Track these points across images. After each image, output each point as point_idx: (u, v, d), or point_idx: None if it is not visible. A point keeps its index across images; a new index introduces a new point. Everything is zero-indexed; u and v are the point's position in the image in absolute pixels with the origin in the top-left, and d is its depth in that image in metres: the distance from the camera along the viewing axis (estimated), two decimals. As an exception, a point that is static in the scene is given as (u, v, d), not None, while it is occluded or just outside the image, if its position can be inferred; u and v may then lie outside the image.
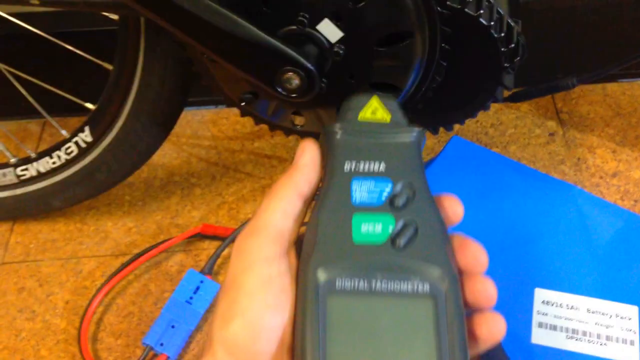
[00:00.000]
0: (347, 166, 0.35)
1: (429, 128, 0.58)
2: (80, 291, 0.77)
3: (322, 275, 0.31)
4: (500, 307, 0.61)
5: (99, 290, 0.74)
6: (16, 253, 0.81)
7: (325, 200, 0.34)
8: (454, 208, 0.35)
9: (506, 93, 0.58)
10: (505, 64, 0.50)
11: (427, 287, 0.31)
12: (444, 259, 0.32)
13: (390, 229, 0.33)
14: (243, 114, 0.58)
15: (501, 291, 0.62)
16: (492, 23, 0.48)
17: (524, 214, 0.69)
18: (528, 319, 0.61)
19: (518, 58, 0.51)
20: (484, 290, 0.32)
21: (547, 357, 0.59)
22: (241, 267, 0.32)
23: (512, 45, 0.50)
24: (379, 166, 0.35)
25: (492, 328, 0.32)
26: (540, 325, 0.60)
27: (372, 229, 0.33)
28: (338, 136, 0.36)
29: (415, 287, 0.31)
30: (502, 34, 0.49)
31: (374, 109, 0.38)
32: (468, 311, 0.32)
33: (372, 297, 0.31)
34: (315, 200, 0.35)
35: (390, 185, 0.34)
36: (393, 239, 0.32)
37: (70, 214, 0.84)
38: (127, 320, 0.74)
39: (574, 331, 0.60)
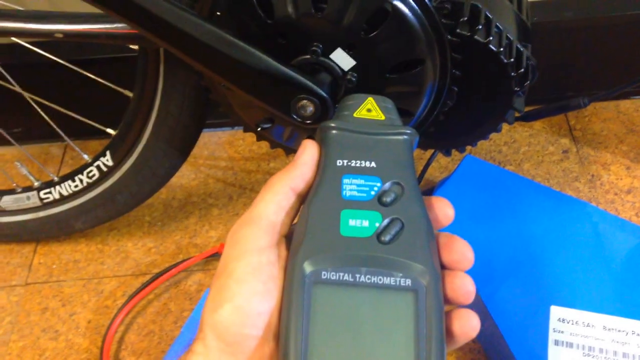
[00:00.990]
0: (340, 162, 0.36)
1: (441, 150, 0.59)
2: (101, 310, 0.78)
3: (308, 266, 0.32)
4: (516, 324, 0.62)
5: (120, 309, 0.76)
6: (39, 274, 0.83)
7: (317, 195, 0.35)
8: (444, 210, 0.36)
9: (517, 114, 0.59)
10: (516, 88, 0.52)
11: (408, 282, 0.32)
12: (427, 256, 0.33)
13: (377, 224, 0.34)
14: (259, 139, 0.60)
15: (517, 309, 0.63)
16: (501, 49, 0.49)
17: (539, 232, 0.69)
18: (544, 337, 0.61)
19: (528, 82, 0.52)
20: (463, 286, 0.33)
21: (563, 375, 0.59)
22: (233, 255, 0.33)
23: (522, 69, 0.51)
24: (370, 164, 0.36)
25: (466, 324, 0.33)
26: (556, 342, 0.61)
27: (359, 223, 0.34)
28: (332, 132, 0.37)
29: (398, 281, 0.32)
30: (512, 59, 0.50)
31: (369, 108, 0.39)
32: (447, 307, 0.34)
33: (355, 288, 0.32)
34: (307, 195, 0.36)
35: (379, 183, 0.35)
36: (379, 234, 0.33)
37: (91, 235, 0.86)
38: (147, 339, 0.75)
39: (591, 349, 0.60)
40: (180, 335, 0.72)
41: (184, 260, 0.80)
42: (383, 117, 0.39)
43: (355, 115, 0.39)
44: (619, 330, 0.61)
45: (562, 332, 0.61)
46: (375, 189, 0.35)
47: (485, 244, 0.68)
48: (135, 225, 0.87)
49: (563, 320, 0.62)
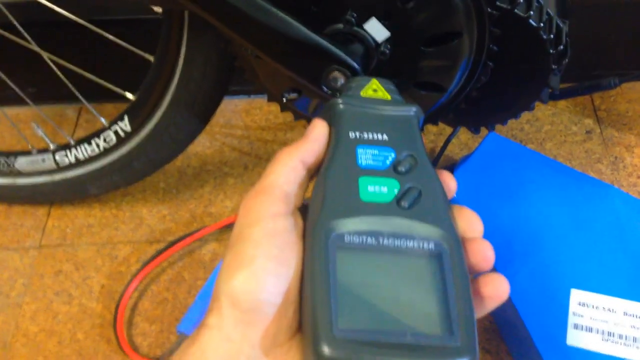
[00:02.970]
0: (352, 134, 0.36)
1: (470, 127, 0.58)
2: (115, 276, 0.78)
3: (331, 229, 0.32)
4: (535, 307, 0.61)
5: (134, 276, 0.75)
6: (53, 237, 0.82)
7: (332, 163, 0.35)
8: (449, 182, 0.36)
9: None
10: (553, 66, 0.50)
11: (432, 245, 0.32)
12: (447, 221, 0.33)
13: (395, 191, 0.34)
14: (283, 109, 0.59)
15: (537, 291, 0.62)
16: (541, 24, 0.48)
17: (560, 213, 0.68)
18: (564, 320, 0.60)
19: (566, 60, 0.50)
20: (482, 250, 0.33)
21: (582, 359, 0.59)
22: (247, 222, 0.32)
23: (561, 46, 0.49)
24: (382, 136, 0.36)
25: (497, 287, 0.32)
26: (576, 326, 0.60)
27: (378, 189, 0.34)
28: (342, 107, 0.37)
29: (421, 244, 0.32)
30: (552, 36, 0.48)
31: (375, 89, 0.40)
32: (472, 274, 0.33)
33: (380, 252, 0.32)
34: (321, 167, 0.36)
35: (393, 153, 0.35)
36: (398, 200, 0.33)
37: (105, 200, 0.85)
38: (161, 306, 0.75)
39: (610, 334, 0.60)
40: (194, 303, 0.72)
41: (198, 229, 0.79)
42: (389, 97, 0.39)
43: (362, 94, 0.39)
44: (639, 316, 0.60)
45: (582, 316, 0.61)
46: (390, 158, 0.35)
47: (505, 224, 0.68)
48: (150, 192, 0.86)
49: (583, 304, 0.61)
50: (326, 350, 0.28)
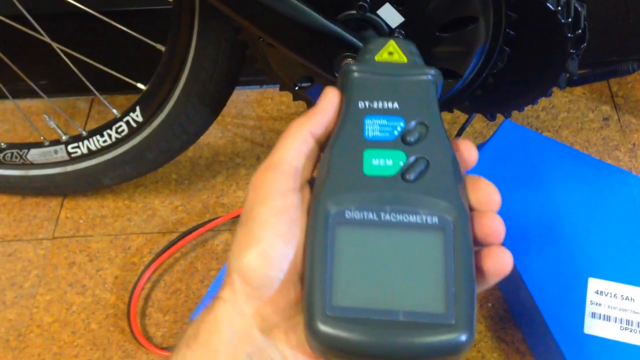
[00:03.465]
0: (361, 104, 0.35)
1: (486, 115, 0.57)
2: (128, 267, 0.78)
3: (332, 206, 0.32)
4: (552, 296, 0.60)
5: (147, 266, 0.75)
6: (66, 228, 0.83)
7: (338, 136, 0.34)
8: (468, 151, 0.35)
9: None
10: (571, 50, 0.49)
11: (435, 219, 0.31)
12: (454, 193, 0.32)
13: (401, 163, 0.33)
14: (296, 98, 0.58)
15: (553, 280, 0.61)
16: (559, 8, 0.46)
17: (577, 201, 0.67)
18: (581, 309, 0.60)
19: (584, 44, 0.49)
20: (492, 224, 0.32)
21: (600, 347, 0.58)
22: (256, 200, 0.33)
23: (579, 31, 0.48)
24: (393, 104, 0.35)
25: (498, 261, 0.32)
26: (593, 315, 0.59)
27: (382, 162, 0.33)
28: (354, 75, 0.36)
29: (424, 218, 0.31)
30: (569, 19, 0.47)
31: (391, 51, 0.38)
32: (477, 248, 0.33)
33: (380, 227, 0.31)
34: (329, 139, 0.35)
35: (402, 122, 0.34)
36: (403, 173, 0.33)
37: (118, 191, 0.85)
38: (174, 297, 0.75)
39: (629, 322, 0.59)
40: (207, 294, 0.72)
41: (211, 220, 0.79)
42: (405, 60, 0.38)
43: (376, 58, 0.38)
44: (659, 305, 0.60)
45: (600, 304, 0.60)
46: (399, 128, 0.34)
47: (522, 212, 0.67)
48: (162, 183, 0.86)
49: (601, 292, 0.61)
50: (319, 327, 0.29)
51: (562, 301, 0.61)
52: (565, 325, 0.59)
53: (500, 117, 0.61)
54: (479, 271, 0.32)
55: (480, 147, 0.74)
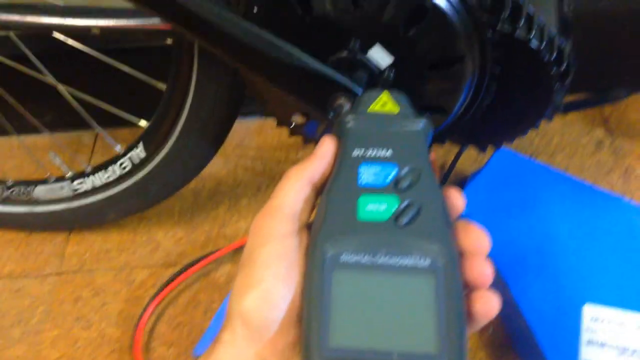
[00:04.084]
0: (356, 153, 0.37)
1: (477, 146, 0.58)
2: (133, 301, 0.79)
3: (328, 250, 0.33)
4: (548, 322, 0.61)
5: (151, 300, 0.76)
6: (72, 263, 0.84)
7: (334, 183, 0.36)
8: (456, 199, 0.37)
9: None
10: (557, 85, 0.51)
11: (427, 262, 0.33)
12: (444, 237, 0.33)
13: (394, 208, 0.34)
14: (292, 134, 0.60)
15: (549, 306, 0.62)
16: (542, 46, 0.48)
17: (572, 227, 0.68)
18: (577, 336, 0.60)
19: (569, 78, 0.51)
20: (481, 268, 0.33)
21: (597, 374, 0.59)
22: (257, 243, 0.34)
23: (564, 66, 0.50)
24: (386, 152, 0.37)
25: (486, 303, 0.33)
26: (589, 342, 0.60)
27: (376, 207, 0.34)
28: (348, 125, 0.39)
29: (416, 262, 0.33)
30: (554, 56, 0.49)
31: (384, 103, 0.40)
32: (467, 291, 0.34)
33: (375, 270, 0.32)
34: (326, 185, 0.37)
35: (395, 169, 0.36)
36: (396, 217, 0.34)
37: (122, 224, 0.87)
38: (178, 330, 0.76)
39: (624, 349, 0.59)
40: (209, 327, 0.73)
41: (213, 252, 0.80)
42: (397, 110, 0.40)
43: (370, 109, 0.40)
44: (655, 330, 0.60)
45: (596, 331, 0.61)
46: (392, 174, 0.36)
47: (517, 239, 0.68)
48: (166, 215, 0.87)
49: (596, 319, 0.61)
50: None
51: (558, 328, 0.61)
52: (561, 353, 0.60)
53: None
54: (469, 314, 0.33)
55: (474, 174, 0.75)
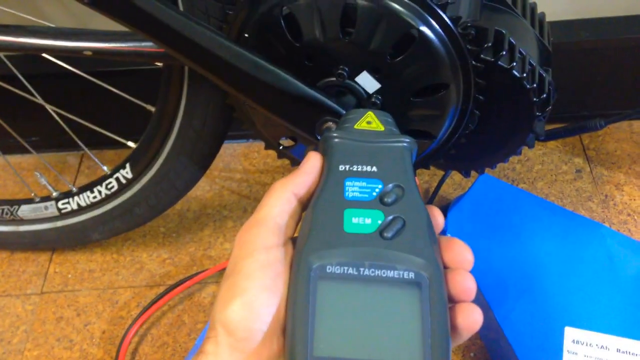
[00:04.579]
0: (342, 167, 0.37)
1: (461, 171, 0.60)
2: (116, 321, 0.79)
3: (314, 261, 0.33)
4: (530, 344, 0.62)
5: (134, 321, 0.76)
6: (55, 283, 0.84)
7: (320, 196, 0.36)
8: (437, 217, 0.37)
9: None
10: (537, 113, 0.52)
11: (411, 275, 0.33)
12: (429, 250, 0.34)
13: (379, 222, 0.35)
14: (280, 157, 0.61)
15: (531, 329, 0.63)
16: (524, 74, 0.50)
17: (553, 252, 0.70)
18: (559, 357, 0.61)
19: (549, 107, 0.53)
20: (464, 282, 0.34)
21: (577, 397, 0.60)
22: (241, 254, 0.34)
23: (544, 95, 0.51)
24: (371, 168, 0.37)
25: (469, 317, 0.34)
26: (570, 364, 0.61)
27: (362, 220, 0.35)
28: (335, 141, 0.39)
29: (401, 274, 0.33)
30: (535, 85, 0.51)
31: (369, 121, 0.41)
32: (450, 304, 0.34)
33: (360, 282, 0.33)
34: (311, 199, 0.38)
35: (380, 185, 0.37)
36: (381, 231, 0.34)
37: (106, 245, 0.87)
38: (161, 350, 0.76)
39: (604, 371, 0.61)
40: (194, 347, 0.73)
41: (198, 273, 0.80)
42: (383, 128, 0.41)
43: (356, 127, 0.41)
44: (633, 353, 0.62)
45: (576, 353, 0.62)
46: (377, 190, 0.36)
47: (499, 263, 0.69)
48: (150, 236, 0.87)
49: (577, 341, 0.63)
50: None
51: (540, 350, 0.62)
52: (543, 375, 0.61)
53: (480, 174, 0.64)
54: (452, 327, 0.34)
55: (457, 199, 0.76)
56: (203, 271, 0.80)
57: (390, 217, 0.35)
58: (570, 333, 0.63)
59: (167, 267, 0.84)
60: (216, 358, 0.32)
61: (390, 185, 0.37)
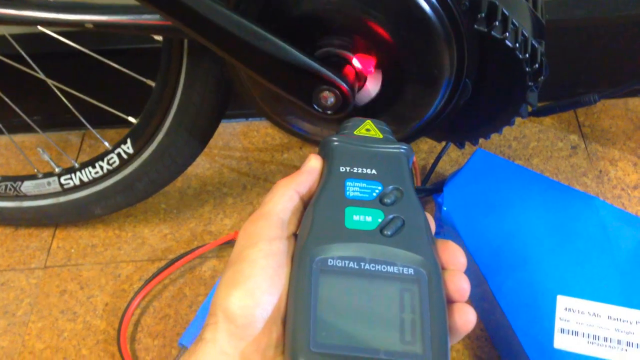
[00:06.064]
0: (343, 169, 0.39)
1: (455, 142, 0.61)
2: (118, 294, 0.81)
3: (316, 254, 0.34)
4: (524, 313, 0.63)
5: (137, 293, 0.78)
6: (58, 257, 0.85)
7: (321, 194, 0.37)
8: (430, 221, 0.38)
9: (530, 108, 0.60)
10: (530, 83, 0.53)
11: (411, 271, 0.34)
12: (427, 249, 0.35)
13: (379, 220, 0.36)
14: (279, 128, 0.62)
15: (525, 298, 0.65)
16: (517, 45, 0.51)
17: (547, 225, 0.71)
18: (551, 325, 0.63)
19: (542, 77, 0.54)
20: (459, 282, 0.35)
21: (569, 362, 0.61)
22: (247, 244, 0.35)
23: (536, 65, 0.52)
24: (371, 171, 0.39)
25: (463, 316, 0.35)
26: (562, 331, 0.62)
27: (362, 218, 0.36)
28: (335, 144, 0.41)
29: (401, 270, 0.34)
30: (527, 55, 0.52)
31: (368, 128, 0.43)
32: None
33: (360, 276, 0.34)
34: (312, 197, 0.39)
35: (380, 186, 0.38)
36: (382, 228, 0.36)
37: (109, 221, 0.88)
38: (163, 322, 0.77)
39: (595, 337, 0.62)
40: (195, 318, 0.74)
41: (198, 247, 0.82)
42: (381, 136, 0.42)
43: (355, 133, 0.42)
44: (624, 320, 0.63)
45: (568, 320, 0.63)
46: (377, 191, 0.38)
47: (494, 236, 0.70)
48: (152, 212, 0.89)
49: (569, 309, 0.64)
50: None
51: (533, 318, 0.64)
52: (536, 341, 0.62)
53: (474, 146, 0.65)
54: (451, 325, 0.35)
55: (454, 174, 0.78)
56: (203, 245, 0.82)
57: (390, 217, 0.36)
58: (563, 301, 0.64)
59: (169, 242, 0.85)
60: (215, 345, 0.33)
61: (390, 187, 0.38)
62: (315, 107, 0.53)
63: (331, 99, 0.52)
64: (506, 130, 0.92)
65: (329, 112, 0.53)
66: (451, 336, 0.35)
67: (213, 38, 0.51)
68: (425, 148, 0.91)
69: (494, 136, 0.91)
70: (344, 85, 0.51)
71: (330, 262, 0.34)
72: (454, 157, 0.89)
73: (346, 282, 0.33)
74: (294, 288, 0.34)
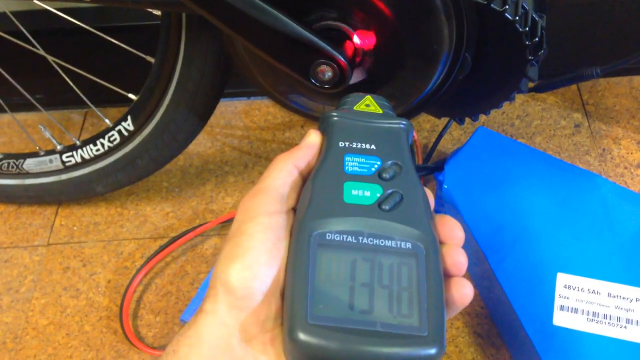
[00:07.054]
0: (342, 144, 0.39)
1: (455, 118, 0.61)
2: (121, 271, 0.81)
3: (314, 227, 0.34)
4: (523, 290, 0.63)
5: (139, 270, 0.78)
6: (61, 235, 0.86)
7: (321, 169, 0.37)
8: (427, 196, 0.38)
9: (531, 84, 0.60)
10: (530, 57, 0.53)
11: (409, 245, 0.34)
12: (425, 223, 0.35)
13: (378, 195, 0.36)
14: (278, 104, 0.61)
15: (524, 276, 0.64)
16: (517, 18, 0.50)
17: (549, 201, 0.70)
18: (550, 302, 0.63)
19: (542, 51, 0.53)
20: (456, 256, 0.35)
21: (568, 338, 0.61)
22: (245, 218, 0.35)
23: (537, 39, 0.52)
24: (370, 146, 0.39)
25: (461, 290, 0.35)
26: (562, 308, 0.62)
27: (361, 193, 0.36)
28: (335, 119, 0.41)
29: (399, 244, 0.34)
30: (527, 28, 0.51)
31: (368, 104, 0.42)
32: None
33: (358, 250, 0.34)
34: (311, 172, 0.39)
35: (379, 161, 0.38)
36: (380, 203, 0.36)
37: (111, 199, 0.88)
38: (165, 298, 0.78)
39: (595, 314, 0.62)
40: (196, 295, 0.75)
41: (200, 225, 0.82)
42: (381, 111, 0.42)
43: (355, 108, 0.42)
44: (624, 297, 0.63)
45: (568, 298, 0.63)
46: (376, 166, 0.38)
47: (494, 213, 0.70)
48: (154, 191, 0.89)
49: (569, 286, 0.64)
50: (300, 335, 0.31)
51: (533, 295, 0.64)
52: (535, 318, 0.62)
53: (477, 124, 0.65)
54: (448, 299, 0.35)
55: (455, 151, 0.77)
56: (205, 223, 0.82)
57: (389, 191, 0.36)
58: (562, 278, 0.64)
59: (171, 220, 0.86)
60: (215, 316, 0.33)
61: (389, 162, 0.38)
62: (313, 81, 0.52)
63: (328, 73, 0.51)
64: (509, 108, 0.91)
65: (326, 86, 0.52)
66: (448, 310, 0.35)
67: (209, 7, 0.51)
68: (428, 127, 0.91)
69: (497, 114, 0.90)
70: (342, 59, 0.51)
71: (329, 236, 0.34)
72: (455, 136, 0.89)
73: (344, 256, 0.34)
74: (292, 261, 0.34)
